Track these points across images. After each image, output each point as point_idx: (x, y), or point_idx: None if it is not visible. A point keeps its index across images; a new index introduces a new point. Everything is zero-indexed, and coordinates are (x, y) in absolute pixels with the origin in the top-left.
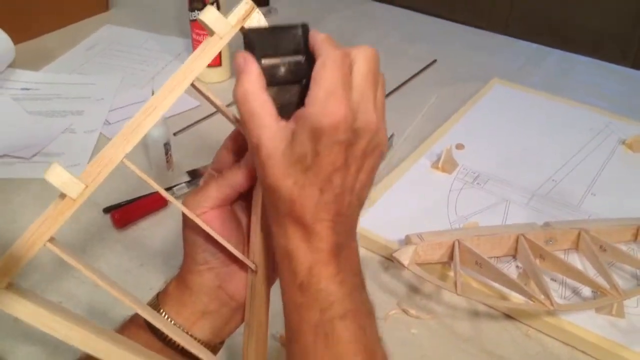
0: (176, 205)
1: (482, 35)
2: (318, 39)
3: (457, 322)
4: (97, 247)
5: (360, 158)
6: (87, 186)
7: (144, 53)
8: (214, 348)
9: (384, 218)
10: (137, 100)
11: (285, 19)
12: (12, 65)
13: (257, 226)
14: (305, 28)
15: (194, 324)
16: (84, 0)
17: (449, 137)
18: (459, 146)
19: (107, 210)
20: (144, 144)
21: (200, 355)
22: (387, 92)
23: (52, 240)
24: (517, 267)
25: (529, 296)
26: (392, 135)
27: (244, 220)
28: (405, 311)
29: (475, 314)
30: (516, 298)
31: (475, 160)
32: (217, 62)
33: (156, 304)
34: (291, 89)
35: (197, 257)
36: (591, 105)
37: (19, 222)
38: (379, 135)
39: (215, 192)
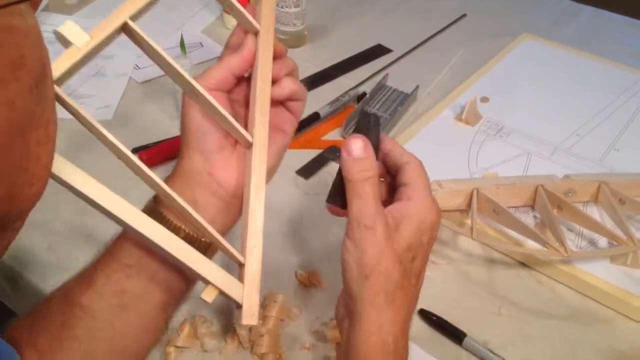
0: (183, 75)
1: None
2: (397, 146)
3: (471, 267)
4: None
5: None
6: (92, 38)
7: (174, 0)
8: (207, 248)
9: None
10: (166, 47)
11: None
12: (46, 9)
13: (254, 101)
14: (375, 118)
15: (186, 219)
16: None
17: (474, 90)
18: (484, 99)
19: (135, 150)
20: (173, 90)
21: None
22: (413, 45)
23: (57, 82)
24: (534, 217)
25: (544, 242)
26: (416, 88)
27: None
28: None
29: (490, 261)
30: (532, 246)
31: (499, 113)
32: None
33: (153, 206)
34: None
35: (190, 138)
36: (620, 62)
37: None
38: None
39: (216, 74)
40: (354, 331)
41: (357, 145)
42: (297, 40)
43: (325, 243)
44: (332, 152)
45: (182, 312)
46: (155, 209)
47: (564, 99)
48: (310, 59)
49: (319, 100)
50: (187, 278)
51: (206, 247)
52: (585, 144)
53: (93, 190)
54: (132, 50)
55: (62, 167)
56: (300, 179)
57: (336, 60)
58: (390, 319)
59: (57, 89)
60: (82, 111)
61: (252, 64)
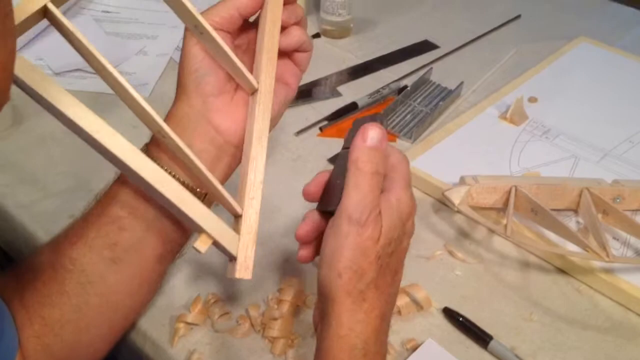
0: (188, 7)
1: None
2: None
3: (505, 269)
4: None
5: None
6: None
7: None
8: (202, 199)
9: (442, 161)
10: None
11: None
12: None
13: (261, 45)
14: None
15: (179, 167)
16: None
17: (522, 90)
18: (532, 99)
19: None
20: None
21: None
22: (464, 42)
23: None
24: (577, 222)
25: (585, 246)
26: (461, 84)
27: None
28: (451, 253)
29: (525, 264)
30: (571, 251)
31: (547, 115)
32: None
33: (145, 150)
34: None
35: (188, 79)
36: None
37: None
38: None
39: (222, 12)
40: (322, 336)
41: (375, 134)
42: (342, 30)
43: None
44: None
45: (195, 289)
46: (148, 153)
47: (619, 105)
48: (353, 50)
49: (358, 91)
50: (183, 229)
51: (202, 199)
52: (639, 151)
53: (80, 115)
54: (176, 31)
55: (47, 86)
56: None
57: (381, 54)
58: (361, 321)
59: (56, 11)
60: (76, 32)
61: (261, 5)
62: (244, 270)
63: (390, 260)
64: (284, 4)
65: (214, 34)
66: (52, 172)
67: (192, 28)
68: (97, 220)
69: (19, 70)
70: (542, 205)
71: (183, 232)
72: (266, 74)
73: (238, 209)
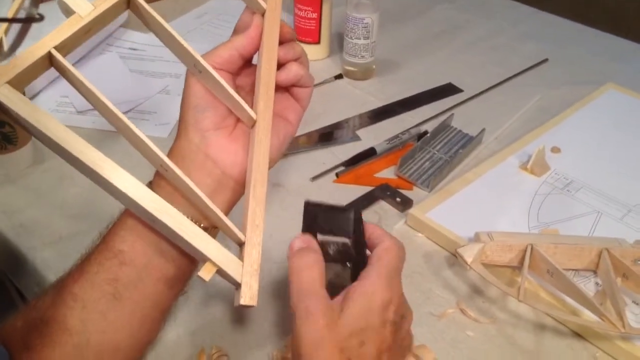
0: (188, 49)
1: (602, 37)
2: (378, 229)
3: (518, 332)
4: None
5: (404, 339)
6: (95, 8)
7: None
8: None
9: (457, 213)
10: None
11: (390, 9)
12: (125, 25)
13: (259, 80)
14: (357, 213)
15: (181, 202)
16: None
17: (545, 138)
18: (555, 149)
19: None
20: None
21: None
22: (488, 86)
23: (60, 50)
24: (596, 284)
25: (600, 314)
26: (482, 131)
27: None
28: (463, 311)
29: (540, 327)
30: (587, 316)
31: (570, 166)
32: (315, 40)
33: (149, 186)
34: (335, 267)
35: (188, 116)
36: None
37: None
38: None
39: (222, 52)
40: None
41: (297, 243)
42: (364, 72)
43: None
44: (384, 191)
45: (199, 341)
46: (151, 188)
47: None
48: (375, 93)
49: (378, 135)
50: (183, 265)
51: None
52: None
53: (81, 149)
54: None
55: (51, 125)
56: None
57: (403, 96)
58: None
59: (59, 57)
60: (82, 78)
61: (259, 45)
62: (249, 298)
63: (361, 352)
64: (282, 41)
65: (210, 69)
66: (67, 213)
67: (191, 67)
68: (99, 255)
69: (27, 113)
70: (558, 266)
71: (183, 269)
72: (264, 104)
73: (241, 237)
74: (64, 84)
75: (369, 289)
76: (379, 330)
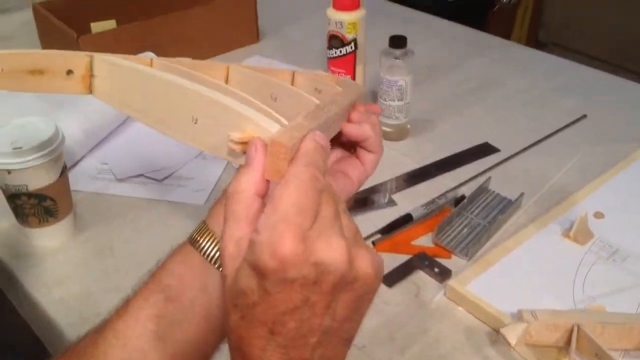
0: None
1: None
2: (302, 149)
3: None
4: None
5: (330, 294)
6: None
7: None
8: None
9: (499, 285)
10: None
11: (423, 65)
12: None
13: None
14: None
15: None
16: (237, 31)
17: (588, 203)
18: (598, 214)
19: None
20: None
21: None
22: (526, 145)
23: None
24: None
25: None
26: (521, 195)
27: None
28: None
29: None
30: None
31: (615, 233)
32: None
33: (204, 227)
34: None
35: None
36: None
37: (144, 240)
38: (354, 267)
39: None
40: None
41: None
42: (399, 132)
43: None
44: (421, 260)
45: None
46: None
47: None
48: (411, 154)
49: (414, 199)
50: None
51: None
52: None
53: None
54: None
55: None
56: (383, 287)
57: (439, 157)
58: None
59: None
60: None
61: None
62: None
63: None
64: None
65: None
66: (106, 286)
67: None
68: (145, 290)
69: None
70: (605, 349)
71: None
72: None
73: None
74: (103, 151)
75: (256, 239)
76: (275, 291)
